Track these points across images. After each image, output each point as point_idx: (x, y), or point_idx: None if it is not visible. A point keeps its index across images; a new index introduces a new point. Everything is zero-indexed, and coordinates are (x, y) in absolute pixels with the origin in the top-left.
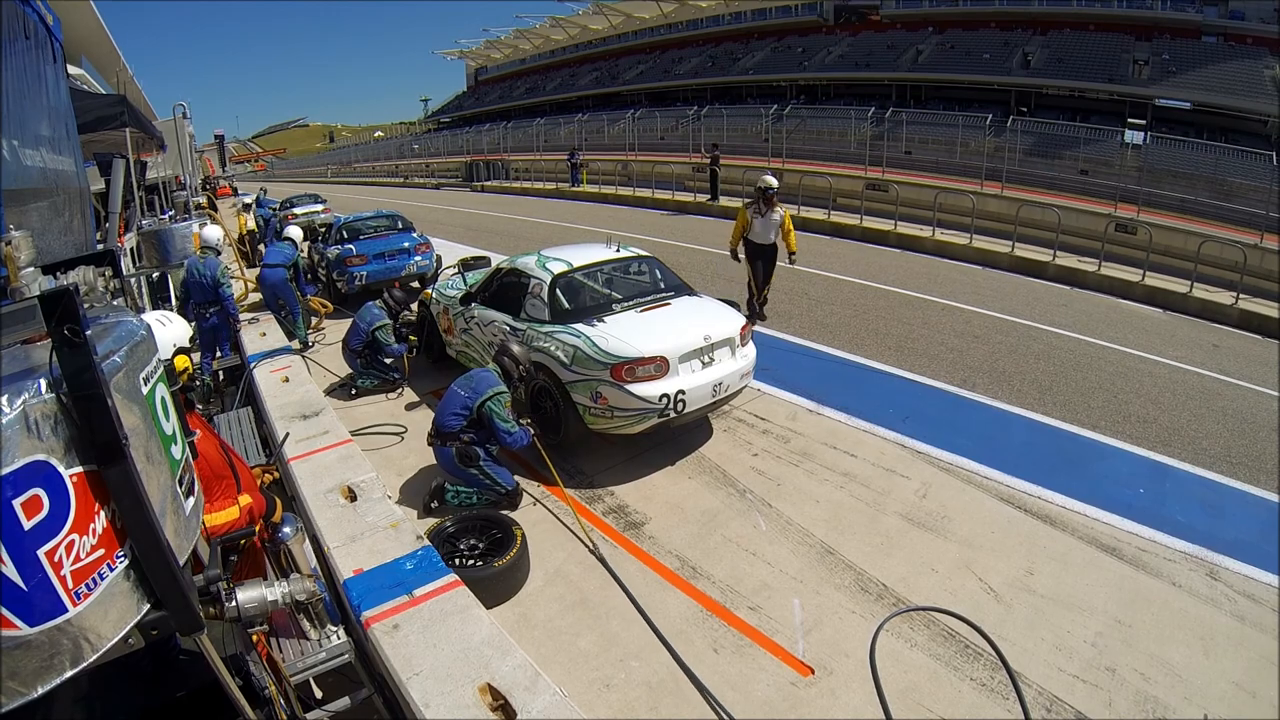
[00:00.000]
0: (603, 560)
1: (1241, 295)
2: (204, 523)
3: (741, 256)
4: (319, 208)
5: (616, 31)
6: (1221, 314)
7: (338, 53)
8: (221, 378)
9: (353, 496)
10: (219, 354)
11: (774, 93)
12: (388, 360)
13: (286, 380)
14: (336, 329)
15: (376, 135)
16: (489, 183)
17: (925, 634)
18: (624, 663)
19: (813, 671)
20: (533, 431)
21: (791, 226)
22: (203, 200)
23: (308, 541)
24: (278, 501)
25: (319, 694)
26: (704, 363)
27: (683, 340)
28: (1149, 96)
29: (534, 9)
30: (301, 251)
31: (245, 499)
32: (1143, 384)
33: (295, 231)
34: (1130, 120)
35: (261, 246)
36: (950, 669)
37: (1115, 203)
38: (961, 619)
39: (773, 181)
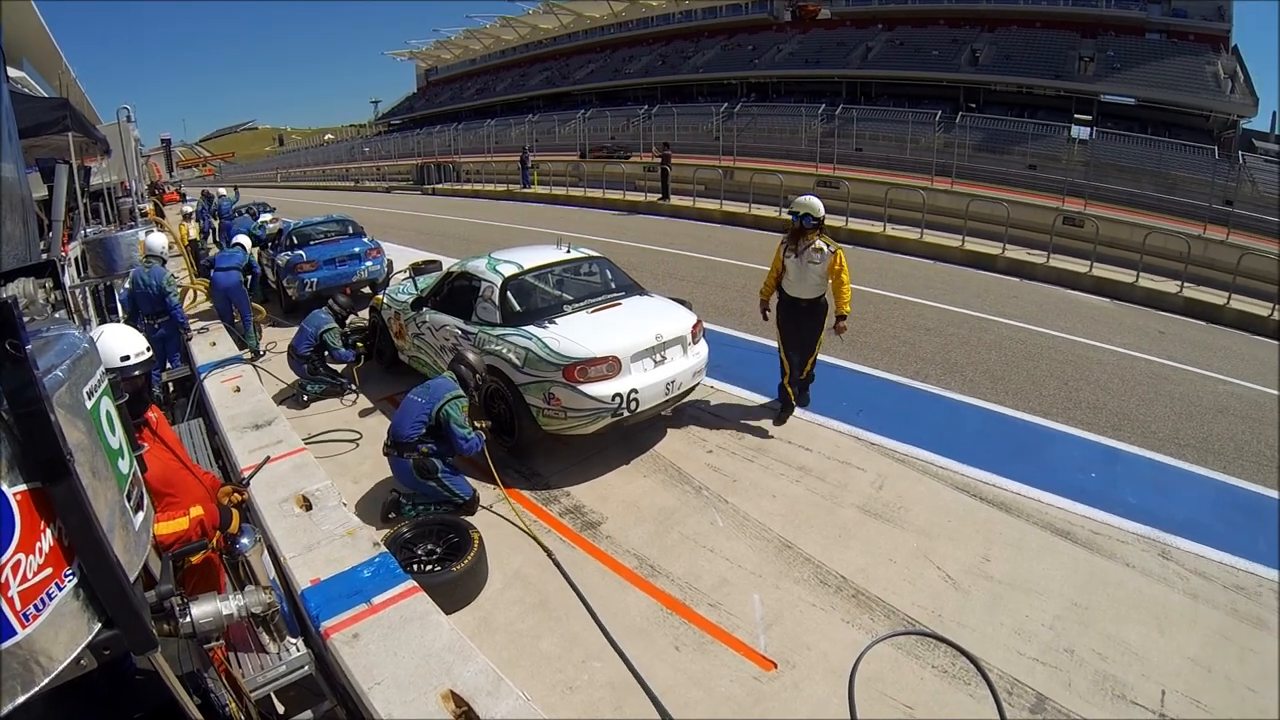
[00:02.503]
0: (558, 565)
1: (1186, 284)
2: (154, 535)
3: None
4: (267, 216)
5: (567, 31)
6: (1166, 302)
7: (287, 54)
8: (171, 389)
9: (308, 505)
10: (169, 365)
11: (725, 91)
12: (336, 367)
13: (238, 390)
14: (287, 337)
15: (327, 138)
16: (440, 185)
17: (886, 624)
18: (586, 664)
19: (775, 666)
20: (484, 437)
21: (847, 277)
22: (148, 207)
23: (266, 552)
24: (235, 513)
25: (280, 709)
26: (656, 361)
27: (634, 339)
28: (1094, 92)
29: (484, 9)
30: (251, 255)
31: (196, 510)
32: (1092, 371)
33: (244, 239)
34: (1076, 116)
35: (215, 249)
36: (912, 657)
37: (1063, 196)
38: (952, 645)
39: (809, 205)
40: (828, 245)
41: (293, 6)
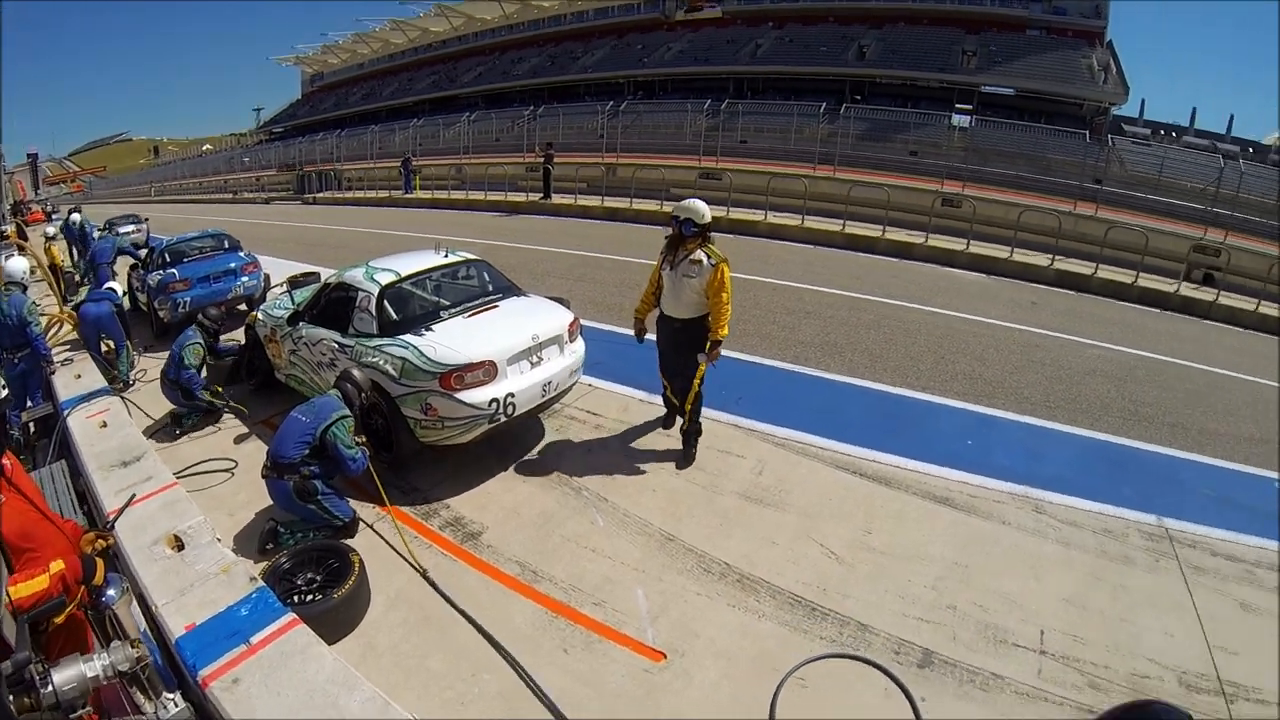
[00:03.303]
0: (433, 584)
1: (1057, 257)
2: (9, 597)
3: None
4: (131, 228)
5: (457, 33)
6: (1039, 274)
7: (165, 61)
8: (33, 430)
9: (180, 545)
10: (29, 403)
11: (613, 90)
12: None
13: (104, 425)
14: (157, 364)
15: (205, 149)
16: (321, 194)
17: (771, 603)
18: (476, 677)
19: (665, 656)
20: (368, 453)
21: (728, 296)
22: (9, 229)
23: (135, 602)
24: (98, 562)
25: None
26: (532, 363)
27: (510, 342)
28: (976, 84)
29: (375, 9)
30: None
31: (57, 565)
32: (968, 343)
33: (115, 284)
34: (958, 106)
35: (83, 287)
36: (800, 633)
37: (942, 180)
38: (876, 665)
39: (691, 208)
40: (709, 257)
41: (173, 7)
